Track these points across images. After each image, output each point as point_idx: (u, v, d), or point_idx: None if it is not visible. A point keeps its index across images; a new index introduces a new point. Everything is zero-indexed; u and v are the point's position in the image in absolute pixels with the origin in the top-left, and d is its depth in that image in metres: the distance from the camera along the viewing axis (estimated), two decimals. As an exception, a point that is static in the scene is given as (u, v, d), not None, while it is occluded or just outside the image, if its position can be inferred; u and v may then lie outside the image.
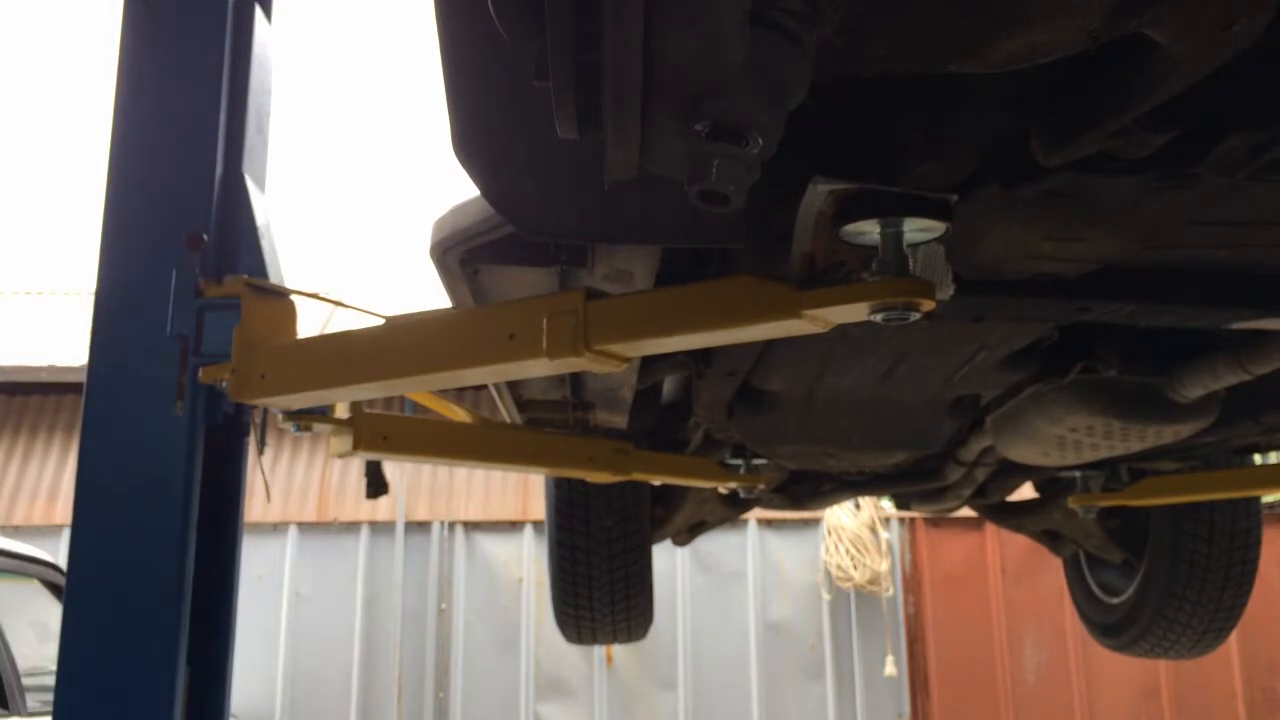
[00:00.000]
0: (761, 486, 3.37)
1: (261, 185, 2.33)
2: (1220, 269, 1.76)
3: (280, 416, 2.08)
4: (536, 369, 1.61)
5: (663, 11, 0.83)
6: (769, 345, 2.23)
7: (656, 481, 3.53)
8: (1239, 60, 1.21)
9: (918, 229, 1.37)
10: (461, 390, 7.79)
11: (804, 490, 3.69)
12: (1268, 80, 1.23)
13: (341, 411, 2.22)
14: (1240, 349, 2.31)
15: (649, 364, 2.45)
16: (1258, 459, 3.47)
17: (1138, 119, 1.19)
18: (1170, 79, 1.06)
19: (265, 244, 2.19)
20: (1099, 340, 2.41)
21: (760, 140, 0.96)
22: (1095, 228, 1.55)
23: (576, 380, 2.64)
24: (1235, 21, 0.96)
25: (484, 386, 2.60)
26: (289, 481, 10.04)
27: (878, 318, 1.37)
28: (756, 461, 3.21)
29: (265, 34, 2.38)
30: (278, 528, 9.62)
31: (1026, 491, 4.01)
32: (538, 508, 9.68)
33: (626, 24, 0.83)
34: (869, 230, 1.35)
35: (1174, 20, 0.94)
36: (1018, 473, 3.45)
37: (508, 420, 2.96)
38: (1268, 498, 6.67)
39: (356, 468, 9.47)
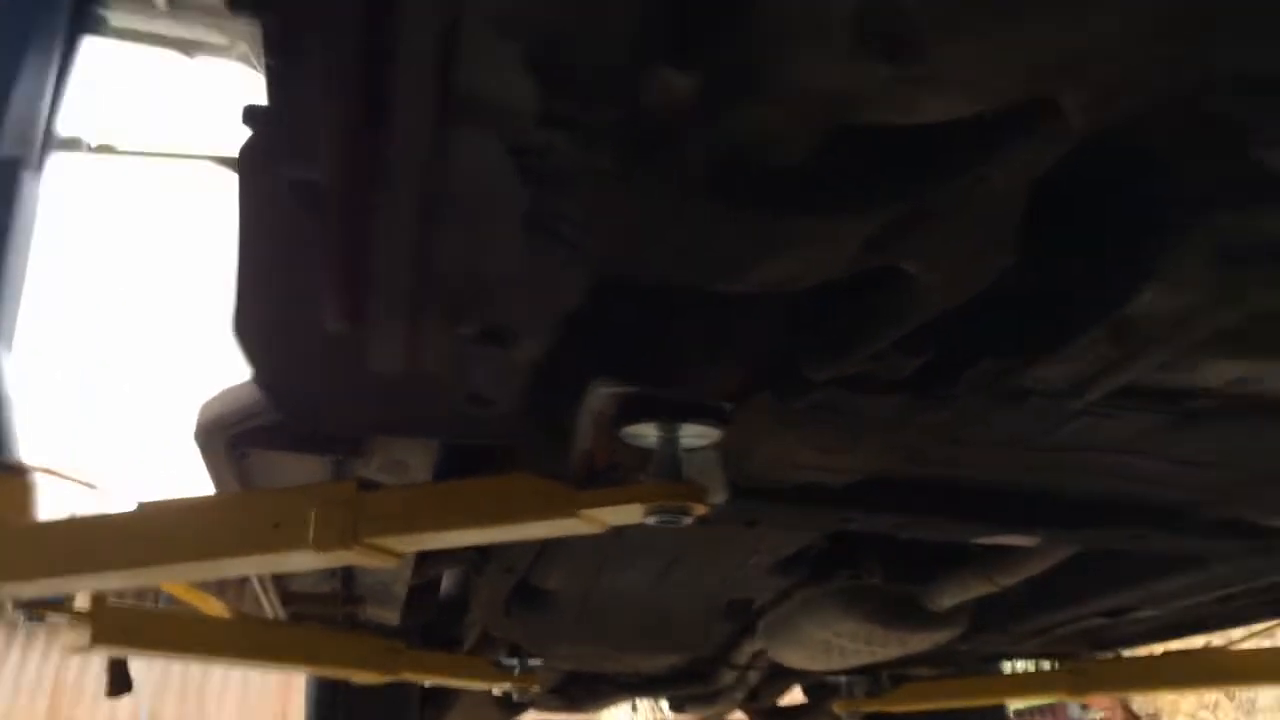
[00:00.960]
0: (537, 688, 3.27)
1: (9, 348, 2.18)
2: (972, 485, 1.88)
3: (10, 605, 1.89)
4: (302, 562, 1.54)
5: (435, 215, 0.85)
6: (547, 543, 2.21)
7: (427, 682, 3.37)
8: (986, 293, 1.34)
9: (694, 434, 1.41)
10: (224, 581, 7.31)
11: (580, 692, 3.61)
12: (1010, 312, 1.35)
13: (82, 602, 2.04)
14: (989, 562, 2.46)
15: (424, 558, 2.38)
16: (1007, 667, 3.64)
17: (894, 343, 1.29)
18: (922, 308, 1.15)
19: (5, 414, 2.04)
20: (864, 548, 2.52)
21: (529, 345, 0.97)
22: (859, 442, 1.64)
23: (347, 573, 2.53)
24: (979, 260, 1.06)
25: (248, 577, 2.45)
26: (18, 680, 9.04)
27: (652, 520, 1.38)
28: (533, 661, 3.13)
29: (30, 189, 2.28)
30: (-5, 731, 8.60)
31: (797, 695, 4.04)
32: (300, 710, 9.03)
33: (398, 226, 0.84)
34: (647, 433, 1.39)
35: (922, 255, 1.03)
36: (788, 676, 3.48)
37: (271, 614, 2.78)
38: (1015, 705, 6.95)
39: (100, 662, 8.63)
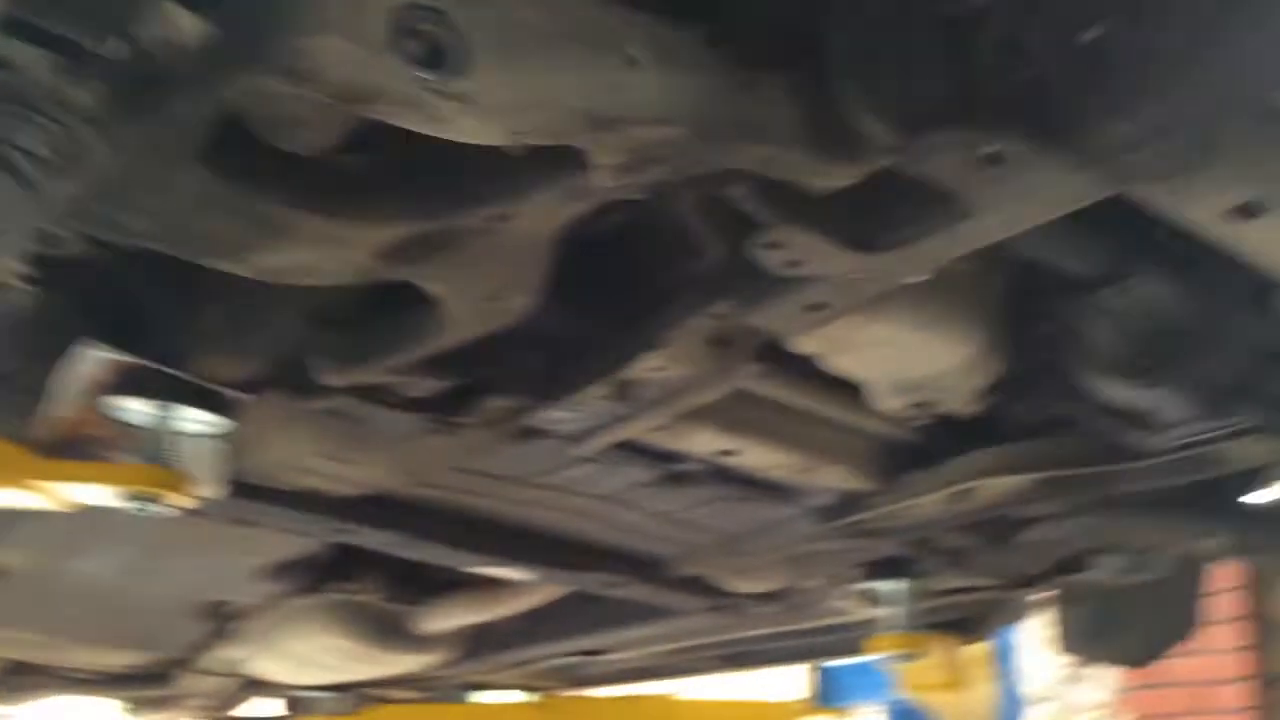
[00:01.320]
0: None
1: None
2: (474, 515, 1.92)
3: None
4: None
5: None
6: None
7: None
8: (514, 331, 1.38)
9: (195, 420, 1.32)
10: None
11: (15, 683, 3.22)
12: (531, 354, 1.40)
13: None
14: (484, 592, 2.53)
15: None
16: (483, 696, 3.73)
17: (417, 362, 1.28)
18: (444, 332, 1.16)
19: None
20: (367, 562, 2.48)
21: None
22: (369, 455, 1.61)
23: None
24: (499, 296, 1.09)
25: None
26: None
27: (128, 505, 1.27)
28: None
29: None
30: None
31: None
32: None
33: None
34: (141, 410, 1.28)
35: (444, 279, 1.02)
36: (258, 687, 3.34)
37: None
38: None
39: None
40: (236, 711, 3.58)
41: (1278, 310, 1.22)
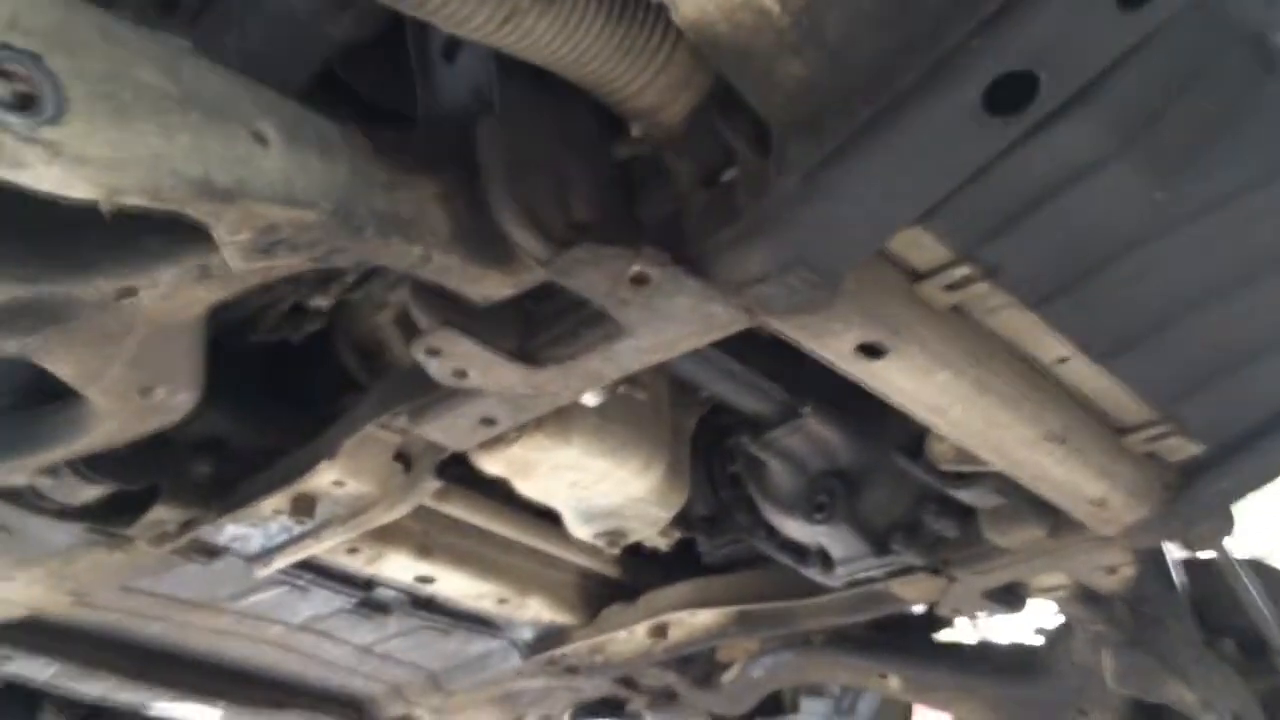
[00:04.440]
0: None
1: None
2: (151, 643, 1.78)
3: None
4: None
5: None
6: None
7: None
8: (183, 436, 1.31)
9: None
10: None
11: None
12: (202, 462, 1.33)
13: None
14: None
15: None
16: None
17: (67, 463, 1.20)
18: (91, 429, 1.08)
19: None
20: (42, 700, 2.25)
21: None
22: (26, 570, 1.48)
23: None
24: (151, 390, 1.03)
25: None
26: None
27: None
28: None
29: None
30: None
31: None
32: None
33: None
34: None
35: (64, 358, 0.95)
36: None
37: None
38: None
39: None
40: None
41: (930, 454, 1.29)
